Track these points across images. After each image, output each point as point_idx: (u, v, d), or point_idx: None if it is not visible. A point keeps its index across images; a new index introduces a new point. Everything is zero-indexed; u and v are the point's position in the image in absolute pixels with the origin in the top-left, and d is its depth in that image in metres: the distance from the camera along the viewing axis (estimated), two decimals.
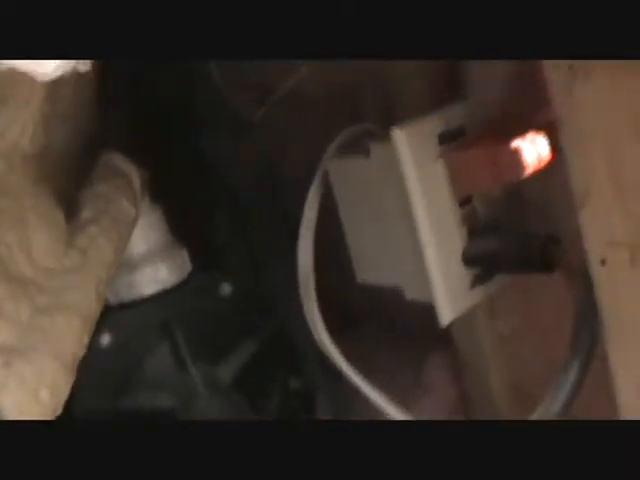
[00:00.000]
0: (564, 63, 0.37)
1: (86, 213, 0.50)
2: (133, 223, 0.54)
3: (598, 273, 0.40)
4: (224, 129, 0.72)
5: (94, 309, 0.46)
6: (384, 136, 0.54)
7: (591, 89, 0.37)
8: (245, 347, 0.65)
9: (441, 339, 0.64)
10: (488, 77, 0.50)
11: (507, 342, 0.58)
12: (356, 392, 0.60)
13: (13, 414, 0.40)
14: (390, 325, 0.66)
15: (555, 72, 0.38)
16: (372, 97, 0.62)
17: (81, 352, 0.45)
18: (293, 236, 0.59)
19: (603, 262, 0.39)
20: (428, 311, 0.57)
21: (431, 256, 0.51)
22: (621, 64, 0.35)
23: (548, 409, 0.46)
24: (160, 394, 0.63)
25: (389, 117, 0.57)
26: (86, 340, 0.46)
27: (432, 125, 0.51)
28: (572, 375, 0.44)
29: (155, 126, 0.72)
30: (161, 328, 0.63)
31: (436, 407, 0.63)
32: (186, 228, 0.67)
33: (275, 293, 0.69)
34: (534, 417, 0.46)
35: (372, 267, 0.57)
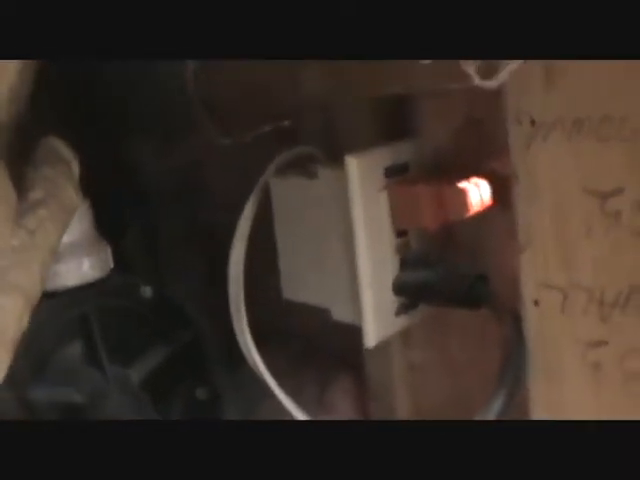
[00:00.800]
0: (527, 119, 0.41)
1: (35, 194, 0.50)
2: (74, 211, 0.54)
3: (530, 313, 0.43)
4: (159, 136, 0.73)
5: (37, 291, 0.46)
6: (328, 161, 0.57)
7: (549, 147, 0.41)
8: (158, 352, 0.65)
9: (353, 362, 0.66)
10: (437, 117, 0.53)
11: (417, 372, 0.61)
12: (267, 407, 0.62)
13: None
14: (310, 343, 0.68)
15: (517, 127, 0.41)
16: (314, 123, 0.64)
17: (20, 333, 0.45)
18: (222, 250, 0.60)
19: (536, 303, 0.43)
20: (346, 333, 0.60)
21: (364, 280, 0.54)
22: (580, 126, 0.39)
23: None
24: (69, 388, 0.62)
25: (331, 145, 0.60)
26: (26, 322, 0.46)
27: (381, 157, 0.54)
28: (495, 408, 0.47)
29: (88, 121, 0.72)
30: (79, 321, 0.63)
31: None
32: (110, 227, 0.67)
33: (195, 302, 0.70)
34: None
35: (300, 285, 0.59)
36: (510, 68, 0.34)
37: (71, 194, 0.53)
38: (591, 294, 0.40)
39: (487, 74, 0.35)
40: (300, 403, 0.61)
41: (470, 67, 0.35)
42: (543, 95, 0.39)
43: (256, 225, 0.60)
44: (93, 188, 0.65)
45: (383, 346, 0.62)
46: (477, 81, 0.35)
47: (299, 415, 0.61)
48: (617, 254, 0.39)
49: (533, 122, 0.41)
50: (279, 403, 0.61)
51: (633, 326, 0.35)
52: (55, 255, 0.51)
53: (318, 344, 0.68)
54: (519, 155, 0.42)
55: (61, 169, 0.55)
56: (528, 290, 0.43)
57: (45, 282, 0.48)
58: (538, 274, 0.43)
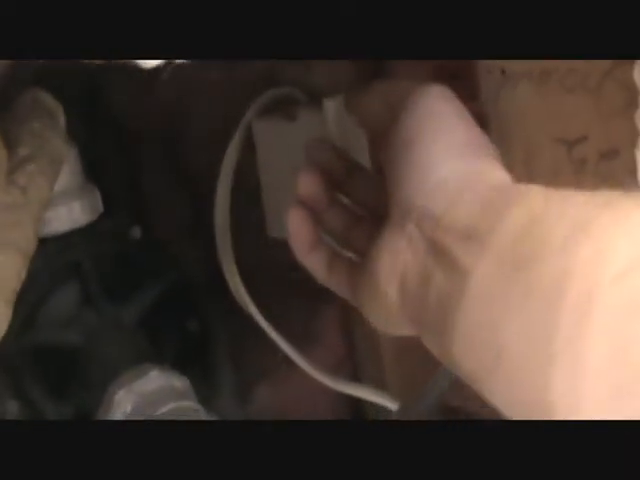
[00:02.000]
0: (497, 69, 0.42)
1: (23, 150, 0.51)
2: (62, 162, 0.56)
3: None
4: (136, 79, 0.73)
5: (32, 245, 0.48)
6: (308, 103, 0.58)
7: (518, 97, 0.42)
8: (150, 290, 0.67)
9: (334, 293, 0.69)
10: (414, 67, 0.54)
11: None
12: (254, 336, 0.64)
13: None
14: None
15: (487, 76, 0.43)
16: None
17: (18, 287, 0.47)
18: (208, 188, 0.62)
19: None
20: None
21: None
22: (548, 77, 0.40)
23: None
24: (65, 330, 0.64)
25: (312, 84, 0.61)
26: (23, 276, 0.48)
27: None
28: None
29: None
30: (71, 266, 0.64)
31: (323, 357, 0.68)
32: (98, 171, 0.68)
33: (182, 240, 0.71)
34: None
35: (284, 223, 0.61)
36: None
37: (58, 145, 0.54)
38: None
39: None
40: (285, 333, 0.64)
41: None
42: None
43: (240, 165, 0.61)
44: (80, 133, 0.66)
45: None
46: None
47: (284, 345, 0.64)
48: None
49: (503, 72, 0.42)
50: (265, 332, 0.63)
51: None
52: (46, 207, 0.52)
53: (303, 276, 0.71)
54: (490, 104, 0.43)
55: (47, 121, 0.56)
56: None
57: (37, 236, 0.50)
58: None
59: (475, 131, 0.38)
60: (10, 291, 0.46)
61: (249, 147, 0.62)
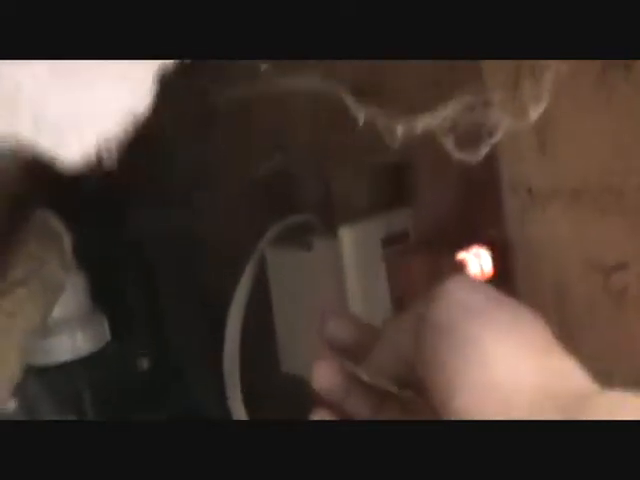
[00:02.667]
0: (523, 188, 0.38)
1: (16, 273, 0.48)
2: (61, 289, 0.53)
3: None
4: (155, 203, 0.71)
5: (15, 375, 0.45)
6: (325, 231, 0.55)
7: (547, 218, 0.38)
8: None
9: None
10: (435, 184, 0.51)
11: None
12: None
13: None
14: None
15: (513, 196, 0.39)
16: (312, 191, 0.62)
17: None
18: (218, 320, 0.58)
19: None
20: None
21: None
22: (580, 193, 0.36)
23: None
24: None
25: (330, 213, 0.58)
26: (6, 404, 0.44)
27: (377, 227, 0.51)
28: None
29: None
30: (72, 398, 0.61)
31: None
32: (107, 298, 0.65)
33: (191, 372, 0.68)
34: None
35: (299, 359, 0.57)
36: (491, 142, 0.32)
37: (56, 271, 0.51)
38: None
39: (467, 148, 0.33)
40: None
41: (449, 141, 0.32)
42: (538, 163, 0.37)
43: (254, 295, 0.58)
44: (90, 257, 0.63)
45: None
46: (457, 155, 0.33)
47: None
48: (624, 336, 0.36)
49: (530, 191, 0.38)
50: None
51: None
52: (36, 336, 0.49)
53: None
54: (516, 225, 0.39)
55: (48, 244, 0.54)
56: None
57: (23, 366, 0.46)
58: None
59: (528, 317, 0.34)
60: None
61: (263, 276, 0.58)
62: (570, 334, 0.39)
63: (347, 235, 0.49)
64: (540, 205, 0.38)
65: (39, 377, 0.61)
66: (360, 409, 0.41)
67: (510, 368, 0.32)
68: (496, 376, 0.32)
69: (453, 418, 0.32)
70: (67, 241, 0.56)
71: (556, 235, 0.38)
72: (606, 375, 0.37)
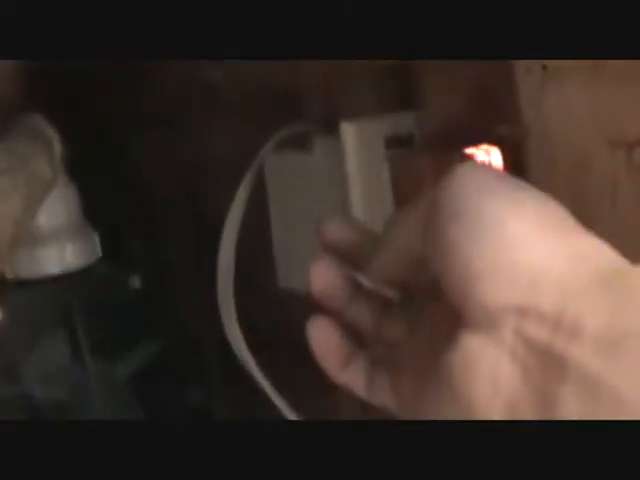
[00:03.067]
0: (538, 65, 0.36)
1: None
2: (48, 187, 0.50)
3: None
4: (151, 124, 0.69)
5: None
6: (327, 133, 0.52)
7: (563, 96, 0.35)
8: (146, 347, 0.61)
9: None
10: (444, 86, 0.48)
11: None
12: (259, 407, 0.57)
13: None
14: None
15: (526, 76, 0.36)
16: (315, 100, 0.60)
17: None
18: (213, 238, 0.56)
19: None
20: None
21: None
22: (593, 69, 0.33)
23: None
24: (49, 384, 0.58)
25: (333, 119, 0.55)
26: None
27: (380, 126, 0.49)
28: None
29: (83, 106, 0.68)
30: (60, 313, 0.59)
31: None
32: (101, 214, 0.63)
33: (186, 295, 0.65)
34: None
35: (297, 271, 0.54)
36: None
37: (44, 168, 0.49)
38: None
39: None
40: (299, 411, 0.57)
41: None
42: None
43: (252, 207, 0.55)
44: (84, 174, 0.61)
45: None
46: None
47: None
48: None
49: (545, 67, 0.35)
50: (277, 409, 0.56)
51: None
52: (19, 229, 0.47)
53: None
54: (530, 109, 0.36)
55: (37, 144, 0.52)
56: None
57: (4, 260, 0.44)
58: None
59: (547, 198, 0.31)
60: None
61: (262, 187, 0.55)
62: (591, 220, 0.36)
63: (349, 132, 0.47)
64: (556, 81, 0.35)
65: (27, 289, 0.59)
66: (362, 318, 0.39)
67: (536, 247, 0.29)
68: (521, 256, 0.29)
69: (474, 311, 0.29)
70: (57, 145, 0.54)
71: (574, 111, 0.35)
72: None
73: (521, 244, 0.29)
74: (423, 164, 0.45)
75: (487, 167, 0.33)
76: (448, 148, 0.46)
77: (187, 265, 0.65)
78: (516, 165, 0.39)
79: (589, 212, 0.36)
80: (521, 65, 0.36)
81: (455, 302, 0.30)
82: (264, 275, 0.56)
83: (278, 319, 0.59)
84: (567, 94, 0.35)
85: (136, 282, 0.61)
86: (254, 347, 0.55)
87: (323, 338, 0.38)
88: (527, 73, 0.36)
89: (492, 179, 0.31)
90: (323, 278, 0.38)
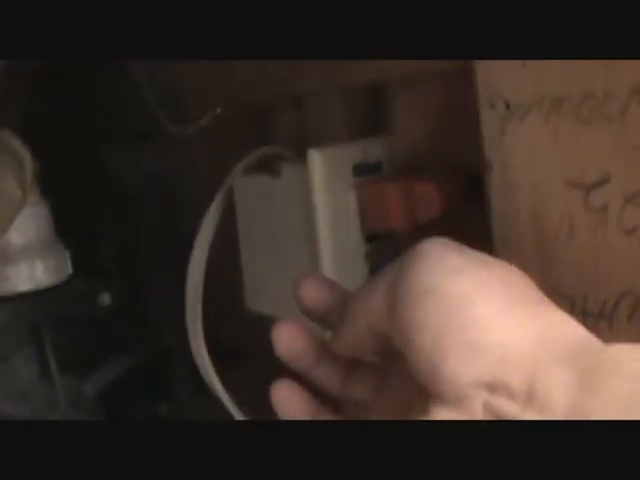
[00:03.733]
0: (501, 101, 0.36)
1: None
2: (18, 206, 0.50)
3: None
4: (127, 139, 0.69)
5: None
6: (295, 158, 0.52)
7: (525, 132, 0.36)
8: (115, 363, 0.62)
9: None
10: (412, 113, 0.48)
11: None
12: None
13: None
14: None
15: (490, 112, 0.37)
16: (285, 123, 0.60)
17: None
18: (184, 256, 0.56)
19: None
20: None
21: None
22: (559, 106, 0.34)
23: None
24: (18, 401, 0.58)
25: (303, 144, 0.56)
26: None
27: (348, 154, 0.49)
28: None
29: (53, 123, 0.68)
30: (29, 330, 0.59)
31: None
32: (72, 232, 0.63)
33: (156, 312, 0.65)
34: None
35: (264, 295, 0.55)
36: None
37: (12, 186, 0.49)
38: (573, 303, 0.35)
39: None
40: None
41: None
42: (516, 74, 0.35)
43: (221, 228, 0.55)
44: (56, 192, 0.61)
45: None
46: None
47: None
48: (604, 257, 0.34)
49: (508, 105, 0.36)
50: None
51: (618, 339, 0.30)
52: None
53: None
54: (493, 143, 0.37)
55: (7, 162, 0.51)
56: None
57: None
58: None
59: (513, 273, 0.32)
60: None
61: (232, 209, 0.56)
62: (547, 260, 0.37)
63: (316, 159, 0.47)
64: (518, 118, 0.36)
65: None
66: (328, 378, 0.39)
67: (504, 325, 0.30)
68: (491, 334, 0.30)
69: (444, 385, 0.30)
70: (28, 164, 0.54)
71: (534, 150, 0.36)
72: (582, 297, 0.35)
73: (490, 322, 0.29)
74: (391, 192, 0.46)
75: (453, 244, 0.33)
76: (416, 176, 0.46)
77: (157, 282, 0.65)
78: (479, 200, 0.40)
79: (547, 251, 0.36)
80: (485, 100, 0.37)
81: (424, 377, 0.30)
82: (232, 295, 0.57)
83: (246, 337, 0.59)
84: (528, 130, 0.36)
85: (106, 299, 0.61)
86: (221, 364, 0.55)
87: (285, 401, 0.38)
88: (491, 108, 0.37)
89: (459, 257, 0.32)
90: (286, 342, 0.39)
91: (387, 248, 0.49)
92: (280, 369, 0.61)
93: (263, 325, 0.56)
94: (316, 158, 0.47)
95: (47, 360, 0.59)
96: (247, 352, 0.60)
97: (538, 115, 0.35)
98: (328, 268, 0.49)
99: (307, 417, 0.39)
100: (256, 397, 0.57)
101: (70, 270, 0.61)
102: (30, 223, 0.58)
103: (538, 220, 0.36)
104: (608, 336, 0.29)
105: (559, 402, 0.28)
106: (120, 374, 0.61)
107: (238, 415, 0.53)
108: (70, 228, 0.62)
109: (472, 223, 0.43)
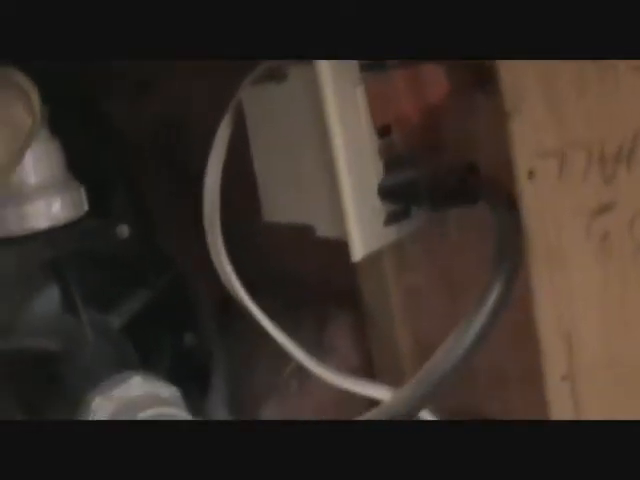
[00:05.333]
0: None
1: None
2: (30, 135, 0.50)
3: (526, 189, 0.38)
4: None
5: None
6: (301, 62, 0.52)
7: None
8: (138, 296, 0.62)
9: (345, 298, 0.62)
10: None
11: (415, 296, 0.57)
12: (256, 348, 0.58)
13: None
14: (293, 278, 0.63)
15: None
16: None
17: None
18: (198, 182, 0.56)
19: (531, 174, 0.37)
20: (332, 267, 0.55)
21: (346, 188, 0.49)
22: None
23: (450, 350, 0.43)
24: (44, 337, 0.58)
25: None
26: None
27: None
28: (492, 298, 0.41)
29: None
30: (51, 267, 0.59)
31: (339, 367, 0.60)
32: (84, 168, 0.63)
33: (173, 241, 0.65)
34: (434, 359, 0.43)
35: (281, 205, 0.55)
36: None
37: (21, 114, 0.49)
38: (590, 152, 0.35)
39: None
40: (298, 343, 0.57)
41: None
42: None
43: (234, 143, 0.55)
44: (63, 129, 0.61)
45: (378, 273, 0.58)
46: None
47: (299, 354, 0.56)
48: (616, 100, 0.34)
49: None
50: (275, 346, 0.56)
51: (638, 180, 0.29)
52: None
53: (312, 281, 0.64)
54: None
55: (12, 92, 0.52)
56: (521, 162, 0.37)
57: None
58: (530, 141, 0.37)
59: None
60: None
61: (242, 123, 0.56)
62: (560, 114, 0.37)
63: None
64: None
65: (14, 245, 0.59)
66: None
67: None
68: None
69: None
70: (35, 96, 0.54)
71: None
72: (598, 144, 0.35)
73: None
74: (396, 78, 0.46)
75: None
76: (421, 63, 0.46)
77: (172, 211, 0.65)
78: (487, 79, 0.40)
79: (561, 102, 0.36)
80: None
81: None
82: (249, 210, 0.57)
83: (264, 253, 0.59)
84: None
85: (124, 232, 0.62)
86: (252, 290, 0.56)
87: None
88: None
89: None
90: None
91: (399, 141, 0.49)
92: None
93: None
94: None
95: (71, 295, 0.59)
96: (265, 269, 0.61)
97: None
98: (343, 168, 0.49)
99: None
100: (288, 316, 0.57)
101: (86, 207, 0.61)
102: (43, 160, 0.58)
103: (548, 78, 0.36)
104: (627, 179, 0.29)
105: None
106: (144, 306, 0.61)
107: (268, 327, 0.54)
108: (81, 165, 0.62)
109: (481, 105, 0.43)
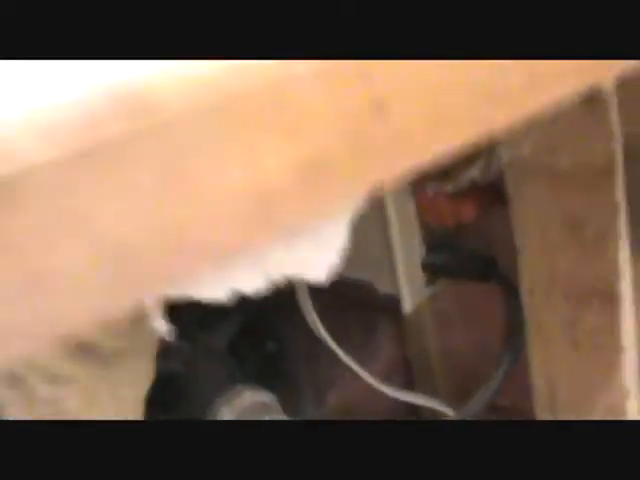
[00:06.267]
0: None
1: None
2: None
3: (527, 299, 0.58)
4: None
5: None
6: None
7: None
8: (235, 319, 0.75)
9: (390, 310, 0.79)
10: None
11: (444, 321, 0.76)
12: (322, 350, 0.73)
13: None
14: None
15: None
16: None
17: None
18: None
19: (531, 291, 0.57)
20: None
21: (401, 262, 0.68)
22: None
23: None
24: (165, 359, 0.66)
25: None
26: None
27: None
28: (504, 366, 0.62)
29: None
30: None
31: (380, 368, 0.78)
32: None
33: None
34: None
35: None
36: None
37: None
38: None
39: None
40: (347, 347, 0.73)
41: None
42: None
43: None
44: None
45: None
46: None
47: (348, 361, 0.74)
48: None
49: None
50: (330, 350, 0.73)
51: None
52: None
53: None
54: None
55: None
56: (524, 283, 0.58)
57: None
58: (531, 271, 0.57)
59: None
60: None
61: None
62: (549, 253, 0.57)
63: None
64: None
65: None
66: None
67: None
68: None
69: None
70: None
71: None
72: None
73: None
74: (443, 205, 0.65)
75: None
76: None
77: None
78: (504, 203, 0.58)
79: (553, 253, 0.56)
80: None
81: None
82: None
83: None
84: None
85: None
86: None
87: None
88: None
89: None
90: None
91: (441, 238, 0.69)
92: None
93: None
94: None
95: (184, 323, 0.72)
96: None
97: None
98: (398, 249, 0.68)
99: None
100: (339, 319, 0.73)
101: None
102: None
103: (542, 233, 0.56)
104: None
105: None
106: (239, 326, 0.74)
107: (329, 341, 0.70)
108: None
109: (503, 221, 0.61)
